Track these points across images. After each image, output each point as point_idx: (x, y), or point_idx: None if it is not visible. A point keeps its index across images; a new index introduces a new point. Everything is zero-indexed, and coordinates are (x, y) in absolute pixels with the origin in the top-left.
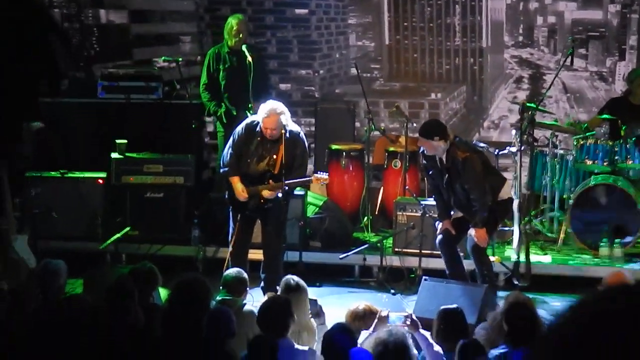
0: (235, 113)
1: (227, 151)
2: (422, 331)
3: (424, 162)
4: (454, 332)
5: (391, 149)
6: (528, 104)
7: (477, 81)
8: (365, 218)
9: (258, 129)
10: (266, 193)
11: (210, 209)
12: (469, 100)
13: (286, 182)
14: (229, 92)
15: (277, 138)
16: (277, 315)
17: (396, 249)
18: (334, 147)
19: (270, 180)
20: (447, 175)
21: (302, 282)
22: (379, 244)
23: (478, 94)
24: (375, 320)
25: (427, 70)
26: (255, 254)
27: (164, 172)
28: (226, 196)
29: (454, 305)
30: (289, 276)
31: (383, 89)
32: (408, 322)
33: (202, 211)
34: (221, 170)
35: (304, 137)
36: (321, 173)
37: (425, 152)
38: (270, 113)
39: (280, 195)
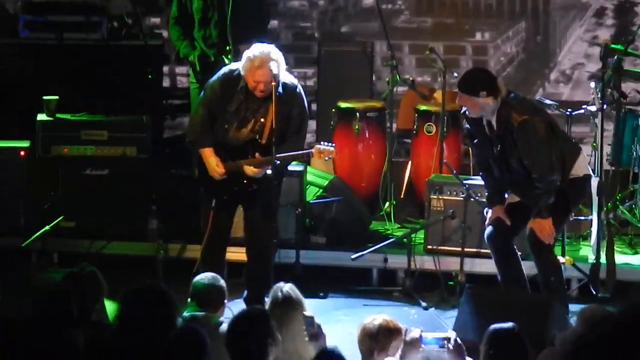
0: (213, 59)
1: (197, 112)
2: (468, 359)
3: (467, 126)
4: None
5: (423, 108)
6: (613, 46)
7: (540, 15)
8: (387, 204)
9: (241, 82)
10: (250, 170)
11: (174, 192)
12: (529, 42)
13: (278, 155)
14: (206, 28)
15: (267, 95)
16: (249, 334)
17: (429, 247)
18: (344, 105)
19: (257, 153)
20: (498, 145)
21: (295, 293)
22: (405, 240)
23: (542, 33)
24: (402, 345)
25: (470, 1)
26: (236, 254)
27: (110, 140)
28: (196, 174)
29: (509, 324)
30: (278, 285)
31: (409, 27)
32: (450, 346)
33: (162, 194)
34: (187, 140)
35: (302, 92)
36: (325, 143)
37: (467, 113)
38: (262, 60)
39: (269, 172)
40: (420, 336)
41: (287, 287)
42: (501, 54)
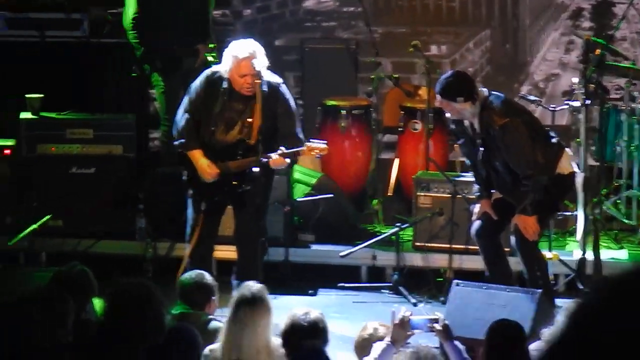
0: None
1: (182, 115)
2: (456, 343)
3: (452, 127)
4: (510, 356)
5: (408, 105)
6: (595, 39)
7: (508, 20)
8: (375, 201)
9: (224, 84)
10: (278, 160)
11: (161, 190)
12: (496, 52)
13: (265, 155)
14: (168, 24)
15: (253, 93)
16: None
17: (417, 244)
18: (330, 103)
19: (249, 155)
20: (481, 147)
21: (262, 293)
22: (393, 237)
23: (512, 40)
24: (391, 328)
25: (431, 4)
26: (225, 252)
27: (96, 138)
28: (184, 177)
29: (512, 320)
30: (248, 283)
31: (354, 39)
32: (438, 328)
33: (149, 193)
34: (175, 142)
35: (286, 90)
36: (316, 141)
37: (449, 116)
38: (247, 52)
39: (256, 170)
40: (410, 319)
41: (256, 287)
42: (463, 69)
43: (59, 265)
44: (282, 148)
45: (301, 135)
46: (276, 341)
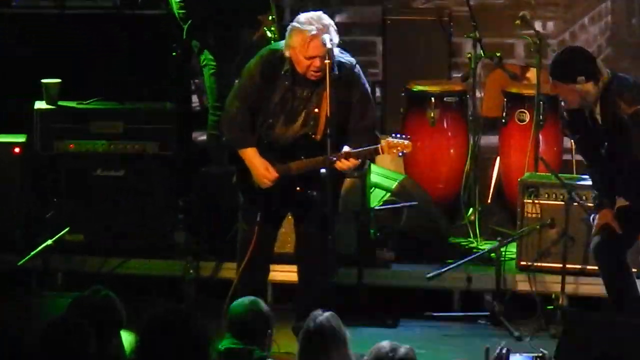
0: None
1: (232, 104)
2: None
3: (567, 118)
4: None
5: (513, 90)
6: None
7: None
8: (471, 210)
9: (286, 65)
10: (348, 163)
11: (206, 197)
12: (619, 29)
13: (334, 154)
14: None
15: (322, 77)
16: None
17: (523, 263)
18: (417, 88)
19: (315, 154)
20: (605, 142)
21: (332, 323)
22: (493, 255)
23: (639, 14)
24: None
25: None
26: (283, 273)
27: (126, 133)
28: (234, 181)
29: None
30: (315, 313)
31: (449, 9)
32: None
33: (191, 200)
34: (225, 137)
35: (361, 73)
36: (397, 136)
37: (565, 104)
38: (316, 29)
39: (323, 171)
40: (507, 356)
41: (324, 316)
42: None
43: (79, 290)
44: (347, 147)
45: (376, 131)
46: None
